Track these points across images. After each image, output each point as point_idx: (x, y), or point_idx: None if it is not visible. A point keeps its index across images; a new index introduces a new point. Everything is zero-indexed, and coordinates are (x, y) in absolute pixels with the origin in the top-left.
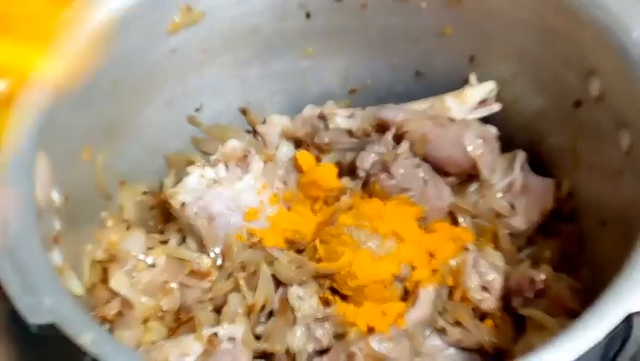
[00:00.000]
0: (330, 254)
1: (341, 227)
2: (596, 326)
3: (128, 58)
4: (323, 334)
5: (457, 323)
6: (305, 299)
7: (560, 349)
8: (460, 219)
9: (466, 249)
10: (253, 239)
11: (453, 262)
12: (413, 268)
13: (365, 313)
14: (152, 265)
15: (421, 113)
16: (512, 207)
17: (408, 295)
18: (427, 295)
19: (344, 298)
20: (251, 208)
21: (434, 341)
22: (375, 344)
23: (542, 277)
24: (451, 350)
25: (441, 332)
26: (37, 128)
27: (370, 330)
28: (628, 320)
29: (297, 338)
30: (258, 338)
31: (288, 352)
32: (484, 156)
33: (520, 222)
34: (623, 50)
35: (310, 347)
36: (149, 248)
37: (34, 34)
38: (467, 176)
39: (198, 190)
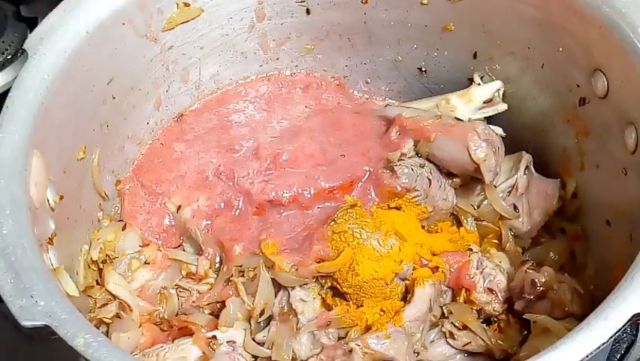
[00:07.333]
0: (332, 251)
1: (343, 224)
2: (602, 328)
3: (124, 55)
4: (329, 339)
5: (464, 327)
6: (307, 302)
7: (565, 352)
8: (464, 221)
9: (469, 250)
10: None
11: (456, 264)
12: (414, 267)
13: (365, 311)
14: (146, 263)
15: (426, 113)
16: (516, 208)
17: (408, 294)
18: (423, 292)
19: (344, 298)
20: None
21: (441, 348)
22: (373, 341)
23: (543, 279)
24: (458, 357)
25: (448, 336)
26: (31, 127)
27: (368, 328)
28: (634, 323)
29: (304, 346)
30: (257, 342)
31: (293, 359)
32: (489, 160)
33: (523, 223)
34: (629, 47)
35: (317, 352)
36: (143, 246)
37: None
38: (471, 177)
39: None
